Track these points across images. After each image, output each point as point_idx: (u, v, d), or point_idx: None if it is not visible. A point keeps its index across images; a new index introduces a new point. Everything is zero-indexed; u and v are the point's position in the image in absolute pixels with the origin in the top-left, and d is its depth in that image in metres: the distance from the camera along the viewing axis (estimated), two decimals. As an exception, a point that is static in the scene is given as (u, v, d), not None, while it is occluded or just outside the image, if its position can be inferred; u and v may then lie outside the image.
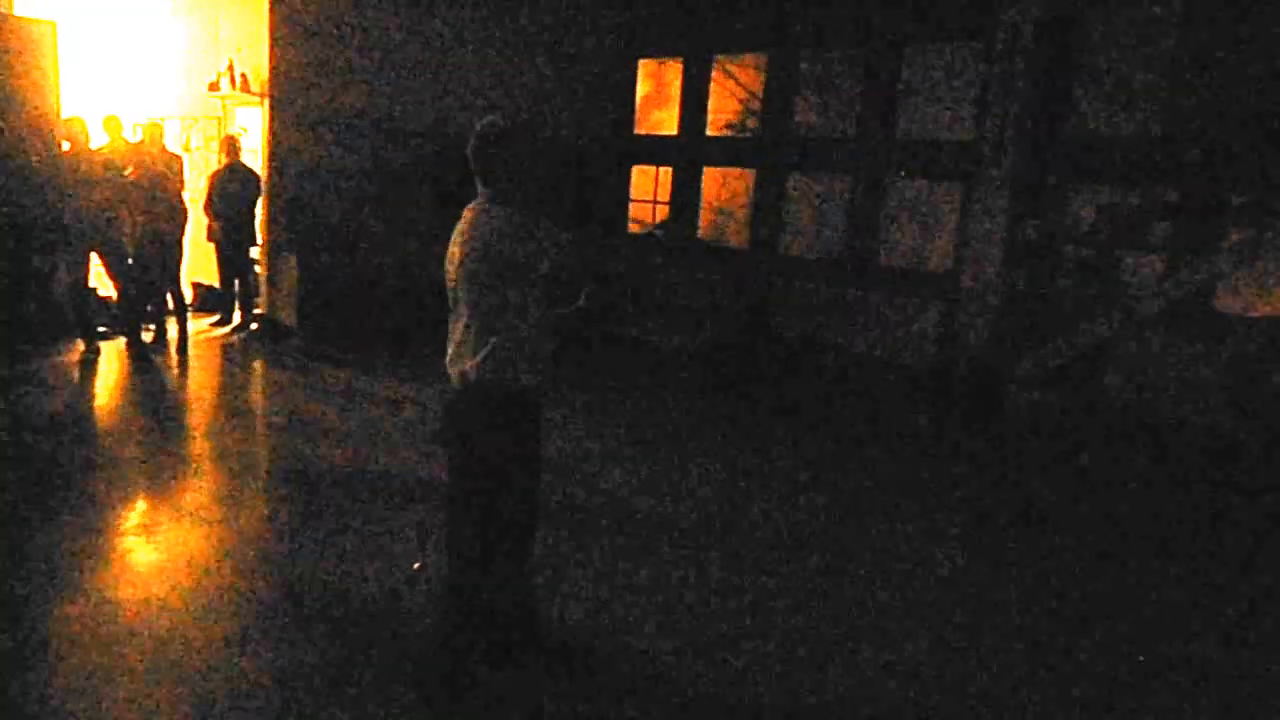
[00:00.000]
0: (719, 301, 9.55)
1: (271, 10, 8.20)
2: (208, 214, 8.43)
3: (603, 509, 4.88)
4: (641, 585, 3.96)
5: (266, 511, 4.66)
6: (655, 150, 11.08)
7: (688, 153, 10.69)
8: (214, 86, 8.81)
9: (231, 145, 8.48)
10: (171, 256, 7.75)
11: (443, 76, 9.23)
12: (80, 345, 7.30)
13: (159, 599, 3.55)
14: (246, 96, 8.65)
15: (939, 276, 8.42)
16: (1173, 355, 6.93)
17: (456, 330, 2.84)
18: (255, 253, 8.93)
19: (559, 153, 10.11)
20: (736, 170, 10.43)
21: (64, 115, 7.20)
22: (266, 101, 8.44)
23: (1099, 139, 7.48)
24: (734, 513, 4.94)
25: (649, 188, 11.29)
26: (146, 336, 7.64)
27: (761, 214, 10.02)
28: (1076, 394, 7.30)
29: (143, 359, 7.23)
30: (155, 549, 4.02)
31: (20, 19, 7.38)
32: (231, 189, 8.34)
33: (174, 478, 5.00)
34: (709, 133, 10.55)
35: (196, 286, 9.31)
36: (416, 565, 3.94)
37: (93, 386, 6.74)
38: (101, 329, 7.73)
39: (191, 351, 7.72)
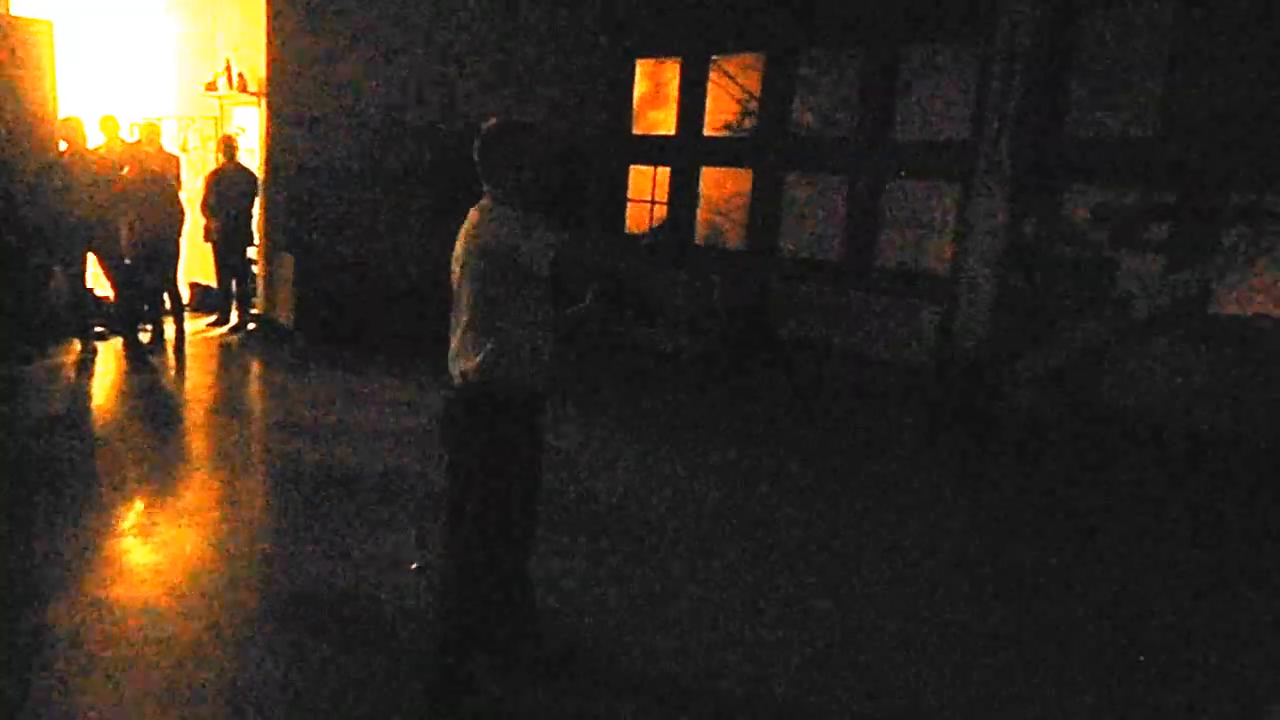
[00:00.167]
0: (716, 303, 9.55)
1: (269, 10, 8.18)
2: (205, 214, 8.41)
3: (602, 510, 4.87)
4: (641, 586, 3.96)
5: (264, 512, 4.65)
6: (653, 150, 11.08)
7: (685, 153, 10.69)
8: (211, 86, 8.80)
9: (228, 145, 8.47)
10: (169, 257, 7.73)
11: (440, 76, 9.22)
12: (77, 345, 7.28)
13: (156, 600, 3.54)
14: (244, 96, 8.64)
15: (936, 277, 8.42)
16: (1170, 357, 6.93)
17: (458, 329, 2.84)
18: (252, 253, 8.92)
19: (558, 153, 10.10)
20: (734, 170, 10.43)
21: (61, 115, 7.19)
22: (263, 101, 8.43)
23: (1097, 139, 7.49)
24: (733, 514, 4.93)
25: (646, 188, 11.29)
26: (143, 337, 7.63)
27: (759, 214, 10.02)
28: (1073, 395, 7.31)
29: (140, 359, 7.22)
30: (152, 550, 4.00)
31: (17, 19, 7.37)
32: (229, 189, 8.32)
33: (171, 478, 4.99)
34: (707, 133, 10.55)
35: (194, 287, 9.29)
36: (415, 565, 3.94)
37: (90, 387, 6.72)
38: (98, 329, 7.72)
39: (189, 352, 7.70)
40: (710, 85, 10.44)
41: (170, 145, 8.84)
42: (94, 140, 7.24)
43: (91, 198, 6.87)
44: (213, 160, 8.97)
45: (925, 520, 5.01)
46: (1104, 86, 7.49)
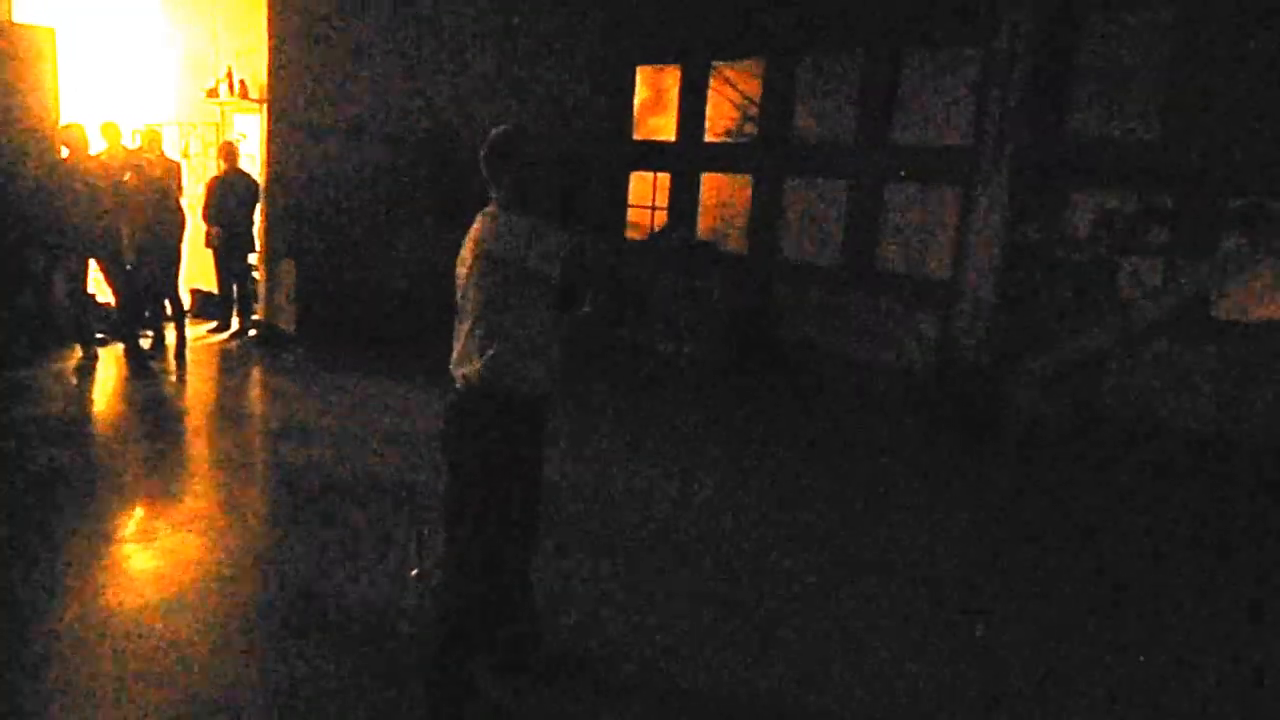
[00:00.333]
0: (717, 306, 9.55)
1: (270, 17, 8.21)
2: (206, 220, 8.42)
3: (603, 512, 4.87)
4: (641, 589, 3.95)
5: (265, 518, 4.65)
6: (654, 156, 11.10)
7: (686, 158, 10.70)
8: (212, 93, 8.81)
9: (230, 152, 8.48)
10: (170, 263, 7.74)
11: (442, 83, 9.24)
12: (78, 352, 7.28)
13: (157, 606, 3.54)
14: (245, 103, 8.65)
15: (937, 281, 8.42)
16: (1170, 360, 6.93)
17: (462, 333, 2.84)
18: (253, 259, 8.92)
19: (559, 159, 10.11)
20: (735, 176, 10.45)
21: (63, 122, 7.20)
22: (265, 108, 8.45)
23: (1097, 143, 7.50)
24: (734, 517, 4.93)
25: (647, 194, 11.31)
26: (144, 343, 7.63)
27: (760, 219, 10.03)
28: (1073, 397, 7.30)
29: (141, 365, 7.22)
30: (153, 556, 4.00)
31: (19, 26, 7.39)
32: (229, 195, 8.33)
33: (172, 484, 4.98)
34: (707, 138, 10.57)
35: (195, 293, 9.30)
36: (415, 571, 3.93)
37: (91, 393, 6.72)
38: (99, 335, 7.72)
39: (189, 358, 7.70)
40: (711, 91, 10.47)
41: (172, 152, 8.85)
42: (95, 146, 7.25)
43: (93, 204, 6.88)
44: (214, 166, 8.98)
45: (925, 522, 5.01)
46: (1104, 90, 7.50)
